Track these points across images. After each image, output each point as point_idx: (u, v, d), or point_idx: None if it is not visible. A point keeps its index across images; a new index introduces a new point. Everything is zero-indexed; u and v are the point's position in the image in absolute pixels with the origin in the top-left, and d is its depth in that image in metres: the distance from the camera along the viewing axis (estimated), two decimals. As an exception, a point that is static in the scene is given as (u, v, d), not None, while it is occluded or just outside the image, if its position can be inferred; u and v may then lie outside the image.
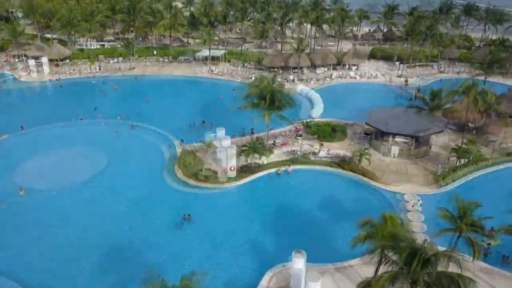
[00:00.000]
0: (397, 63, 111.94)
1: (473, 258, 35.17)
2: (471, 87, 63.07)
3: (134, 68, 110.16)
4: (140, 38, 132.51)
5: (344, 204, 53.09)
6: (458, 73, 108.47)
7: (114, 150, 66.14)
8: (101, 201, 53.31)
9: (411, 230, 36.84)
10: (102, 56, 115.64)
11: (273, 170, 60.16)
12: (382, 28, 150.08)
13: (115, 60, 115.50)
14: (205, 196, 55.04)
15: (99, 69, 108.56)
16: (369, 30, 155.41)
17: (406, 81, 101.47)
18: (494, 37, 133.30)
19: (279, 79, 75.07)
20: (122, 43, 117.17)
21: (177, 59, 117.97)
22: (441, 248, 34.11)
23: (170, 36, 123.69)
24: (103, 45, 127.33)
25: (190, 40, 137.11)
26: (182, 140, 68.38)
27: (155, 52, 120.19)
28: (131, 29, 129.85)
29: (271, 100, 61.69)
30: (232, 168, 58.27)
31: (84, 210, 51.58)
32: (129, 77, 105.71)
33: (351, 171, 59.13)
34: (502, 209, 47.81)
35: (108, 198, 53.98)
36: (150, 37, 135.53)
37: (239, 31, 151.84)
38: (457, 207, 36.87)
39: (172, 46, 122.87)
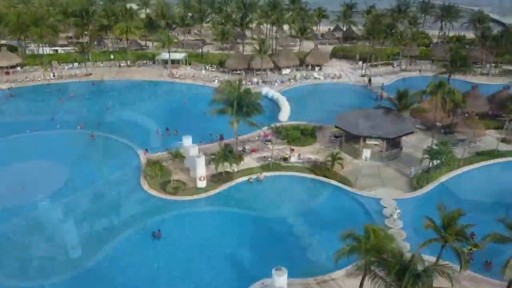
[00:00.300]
0: (360, 62, 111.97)
1: (460, 269, 34.13)
2: (439, 87, 63.10)
3: (90, 74, 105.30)
4: (96, 42, 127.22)
5: (320, 212, 51.43)
6: (419, 71, 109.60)
7: (74, 163, 61.78)
8: (60, 221, 48.31)
9: (396, 242, 35.35)
10: (56, 62, 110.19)
11: (244, 178, 57.82)
12: (341, 27, 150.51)
13: (70, 65, 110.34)
14: (174, 209, 51.96)
15: (54, 76, 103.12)
16: (329, 29, 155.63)
17: (369, 80, 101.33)
18: (450, 34, 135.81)
19: (243, 82, 72.94)
20: (76, 48, 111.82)
21: (136, 63, 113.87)
22: (425, 257, 33.26)
23: (127, 40, 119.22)
24: (56, 51, 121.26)
25: (148, 43, 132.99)
26: (146, 150, 65.13)
27: (112, 57, 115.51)
28: (85, 33, 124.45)
29: (239, 106, 59.58)
30: (202, 178, 55.74)
31: (40, 232, 47.35)
32: (86, 83, 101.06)
33: (325, 176, 57.63)
34: (479, 210, 48.19)
35: (69, 217, 48.91)
36: (105, 41, 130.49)
37: (197, 33, 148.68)
38: (441, 217, 35.79)
39: (130, 50, 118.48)
